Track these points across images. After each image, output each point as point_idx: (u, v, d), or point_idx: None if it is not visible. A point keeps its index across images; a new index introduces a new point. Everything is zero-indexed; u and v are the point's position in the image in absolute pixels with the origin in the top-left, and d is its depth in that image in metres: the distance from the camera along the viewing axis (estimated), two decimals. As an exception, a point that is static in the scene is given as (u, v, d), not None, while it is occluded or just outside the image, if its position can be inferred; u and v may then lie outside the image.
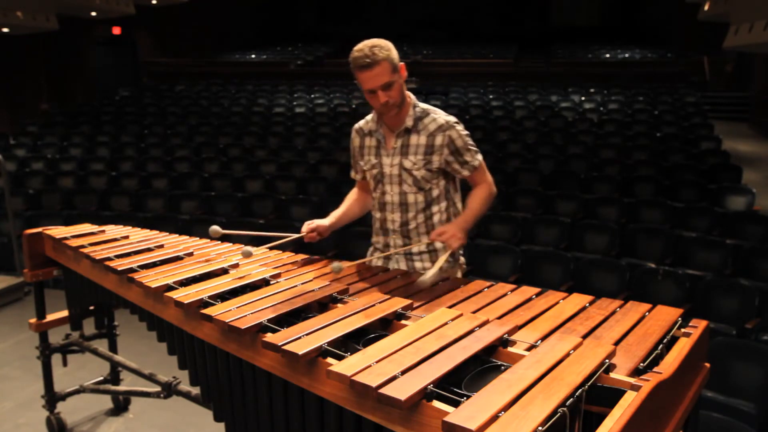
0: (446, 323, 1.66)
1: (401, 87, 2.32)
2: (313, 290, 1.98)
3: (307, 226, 2.51)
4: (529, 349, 1.53)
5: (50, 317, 3.30)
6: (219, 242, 2.74)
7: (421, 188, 2.41)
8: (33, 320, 3.28)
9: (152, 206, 7.38)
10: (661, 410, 1.38)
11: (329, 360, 1.53)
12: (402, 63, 2.30)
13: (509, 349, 1.54)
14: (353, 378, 1.37)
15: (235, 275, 2.19)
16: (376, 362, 1.43)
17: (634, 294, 4.48)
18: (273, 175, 8.07)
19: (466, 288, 2.08)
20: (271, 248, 2.59)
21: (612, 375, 1.39)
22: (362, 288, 2.10)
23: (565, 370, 1.35)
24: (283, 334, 1.64)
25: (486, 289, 2.05)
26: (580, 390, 1.28)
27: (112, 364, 3.55)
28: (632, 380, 1.33)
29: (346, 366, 1.42)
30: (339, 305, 1.90)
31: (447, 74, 14.97)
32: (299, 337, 1.61)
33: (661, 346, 1.58)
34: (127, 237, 2.96)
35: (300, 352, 1.53)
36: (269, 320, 1.76)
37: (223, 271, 2.27)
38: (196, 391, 2.32)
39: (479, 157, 2.45)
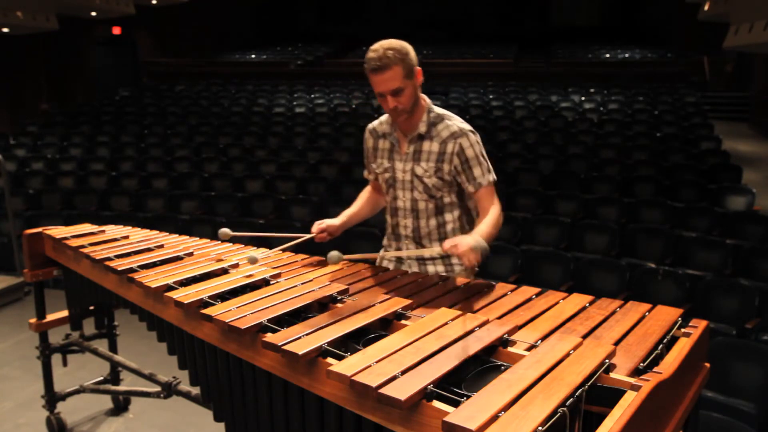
0: (446, 323, 1.66)
1: (413, 93, 2.22)
2: (313, 290, 1.98)
3: (318, 226, 2.45)
4: (529, 349, 1.53)
5: (50, 317, 3.30)
6: (219, 242, 2.73)
7: (432, 196, 2.34)
8: (33, 320, 3.28)
9: (152, 206, 7.38)
10: (661, 410, 1.38)
11: (329, 360, 1.53)
12: (419, 68, 2.21)
13: (509, 349, 1.54)
14: (353, 378, 1.37)
15: (235, 275, 2.19)
16: (376, 362, 1.43)
17: (634, 294, 4.47)
18: (273, 175, 8.07)
19: (466, 288, 2.08)
20: (283, 250, 2.52)
21: (612, 375, 1.39)
22: (362, 288, 2.09)
23: (565, 370, 1.36)
24: (283, 334, 1.64)
25: (486, 289, 2.05)
26: (580, 390, 1.28)
27: (112, 364, 3.55)
28: (632, 380, 1.33)
29: (346, 366, 1.42)
30: (339, 305, 1.90)
31: (447, 74, 14.95)
32: (299, 337, 1.61)
33: (661, 346, 1.58)
34: (127, 237, 2.96)
35: (300, 352, 1.53)
36: (269, 320, 1.75)
37: (223, 271, 2.27)
38: (196, 391, 2.32)
39: (491, 177, 2.29)
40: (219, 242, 2.74)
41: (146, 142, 10.16)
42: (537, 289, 2.00)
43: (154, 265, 2.40)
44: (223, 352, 1.85)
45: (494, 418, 1.18)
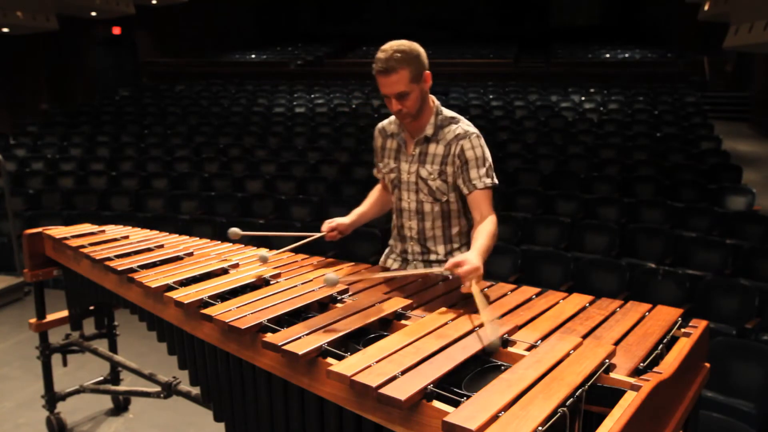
0: (446, 323, 1.67)
1: (419, 97, 2.17)
2: (313, 290, 1.98)
3: (328, 224, 2.43)
4: (529, 349, 1.53)
5: (50, 317, 3.30)
6: (219, 242, 2.74)
7: (437, 199, 2.32)
8: (33, 320, 3.28)
9: (152, 206, 7.39)
10: (661, 410, 1.38)
11: (329, 360, 1.53)
12: (428, 72, 2.17)
13: (509, 349, 1.54)
14: (353, 378, 1.37)
15: (235, 275, 2.19)
16: (376, 362, 1.43)
17: (634, 294, 4.47)
18: (273, 175, 8.07)
19: (466, 288, 2.08)
20: (293, 250, 2.51)
21: (612, 375, 1.39)
22: (362, 288, 2.09)
23: (565, 370, 1.36)
24: (283, 334, 1.64)
25: (486, 289, 2.05)
26: (580, 390, 1.28)
27: (112, 364, 3.55)
28: (632, 380, 1.33)
29: (346, 366, 1.42)
30: (339, 305, 1.91)
31: (447, 74, 14.95)
32: (299, 337, 1.61)
33: (661, 346, 1.58)
34: (127, 237, 2.96)
35: (300, 352, 1.53)
36: (269, 320, 1.76)
37: (223, 271, 2.27)
38: (196, 391, 2.32)
39: (487, 180, 2.22)
40: (219, 242, 2.74)
41: (146, 142, 10.16)
42: (537, 289, 2.00)
43: (154, 265, 2.40)
44: (223, 352, 1.85)
45: (494, 418, 1.18)
